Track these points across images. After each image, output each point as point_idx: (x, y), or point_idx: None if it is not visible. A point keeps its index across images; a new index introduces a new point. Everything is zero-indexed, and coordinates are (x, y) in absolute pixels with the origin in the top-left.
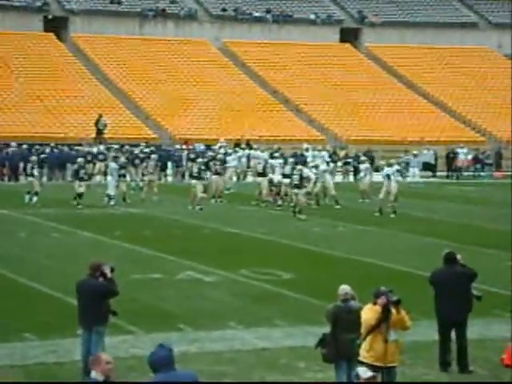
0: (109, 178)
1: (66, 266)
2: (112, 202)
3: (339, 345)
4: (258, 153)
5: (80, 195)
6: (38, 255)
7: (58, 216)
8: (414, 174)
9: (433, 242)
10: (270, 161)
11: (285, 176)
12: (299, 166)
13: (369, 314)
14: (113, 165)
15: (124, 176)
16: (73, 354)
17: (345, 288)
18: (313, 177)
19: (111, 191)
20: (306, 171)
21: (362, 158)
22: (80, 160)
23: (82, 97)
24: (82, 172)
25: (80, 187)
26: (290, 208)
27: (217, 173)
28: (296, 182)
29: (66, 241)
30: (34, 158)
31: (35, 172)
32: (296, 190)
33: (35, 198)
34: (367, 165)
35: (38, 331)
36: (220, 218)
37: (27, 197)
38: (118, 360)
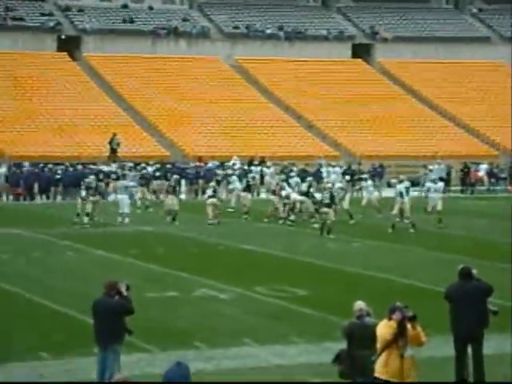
0: (119, 196)
1: (80, 285)
2: (126, 220)
3: (355, 361)
4: (272, 170)
5: (87, 214)
6: (53, 274)
7: (73, 235)
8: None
9: (448, 257)
10: (284, 181)
11: (302, 194)
12: (329, 185)
13: (384, 329)
14: (123, 183)
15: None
16: (88, 372)
17: (359, 304)
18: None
19: (125, 209)
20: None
21: (364, 175)
22: (88, 180)
23: (95, 115)
24: (83, 191)
25: (84, 205)
26: (318, 226)
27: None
28: (327, 201)
29: (81, 259)
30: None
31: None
32: (326, 209)
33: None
34: (370, 182)
35: (53, 350)
36: (234, 234)
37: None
38: (134, 378)
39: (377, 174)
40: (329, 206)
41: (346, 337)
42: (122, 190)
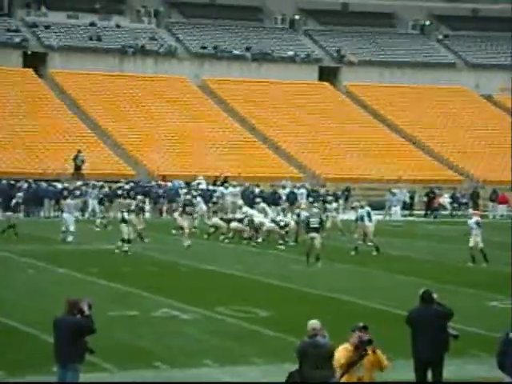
0: (65, 215)
1: (41, 303)
2: (70, 238)
3: (307, 381)
4: (237, 189)
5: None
6: (13, 292)
7: (35, 252)
8: (396, 213)
9: (410, 281)
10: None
11: (273, 221)
12: (317, 210)
13: (341, 352)
14: (68, 201)
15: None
16: None
17: (313, 323)
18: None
19: (71, 227)
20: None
21: (329, 198)
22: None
23: (60, 133)
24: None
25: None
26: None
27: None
28: (316, 226)
29: (42, 277)
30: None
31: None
32: (313, 234)
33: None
34: (334, 204)
35: (11, 368)
36: (196, 255)
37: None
38: None
39: (343, 196)
40: (317, 230)
41: (299, 356)
42: (69, 208)
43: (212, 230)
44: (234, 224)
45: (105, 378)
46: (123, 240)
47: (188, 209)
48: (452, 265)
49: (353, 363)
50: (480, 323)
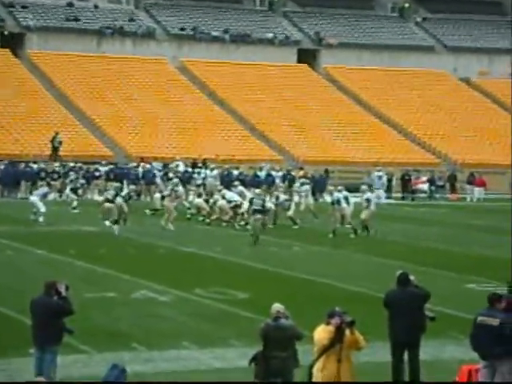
0: (32, 197)
1: (18, 284)
2: (41, 219)
3: (269, 363)
4: (215, 172)
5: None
6: None
7: (12, 233)
8: (379, 196)
9: (387, 263)
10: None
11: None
12: (258, 190)
13: (321, 334)
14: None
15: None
16: (24, 373)
17: (277, 306)
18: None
19: (41, 208)
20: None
21: (302, 180)
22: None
23: (37, 114)
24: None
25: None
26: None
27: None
28: (258, 208)
29: (20, 258)
30: None
31: None
32: (257, 216)
33: None
34: (307, 187)
35: None
36: (175, 236)
37: None
38: (70, 380)
39: (321, 180)
40: (260, 212)
41: (262, 338)
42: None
43: (193, 211)
44: (220, 203)
45: (82, 359)
46: (116, 221)
47: (177, 192)
48: (429, 247)
49: (333, 344)
50: (457, 305)
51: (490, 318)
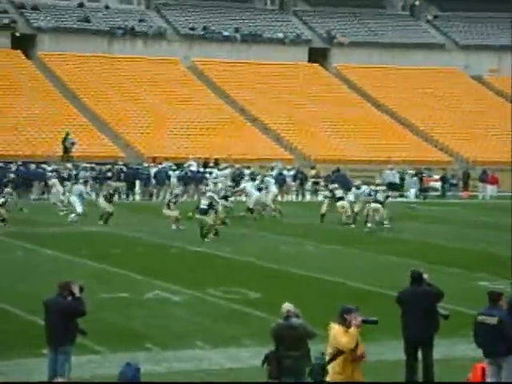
0: (72, 198)
1: (31, 285)
2: (75, 218)
3: (281, 362)
4: (227, 171)
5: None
6: (2, 274)
7: (24, 234)
8: (409, 195)
9: (400, 261)
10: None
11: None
12: (210, 193)
13: (345, 338)
14: (75, 186)
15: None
16: (37, 373)
17: (287, 306)
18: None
19: (78, 208)
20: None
21: (318, 180)
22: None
23: (49, 115)
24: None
25: None
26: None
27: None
28: (203, 207)
29: (32, 259)
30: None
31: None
32: (201, 217)
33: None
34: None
35: (1, 351)
36: (187, 237)
37: None
38: (85, 380)
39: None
40: (205, 212)
41: (274, 338)
42: (75, 192)
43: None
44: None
45: (96, 359)
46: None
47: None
48: (442, 245)
49: (356, 347)
50: (470, 303)
51: (488, 316)
